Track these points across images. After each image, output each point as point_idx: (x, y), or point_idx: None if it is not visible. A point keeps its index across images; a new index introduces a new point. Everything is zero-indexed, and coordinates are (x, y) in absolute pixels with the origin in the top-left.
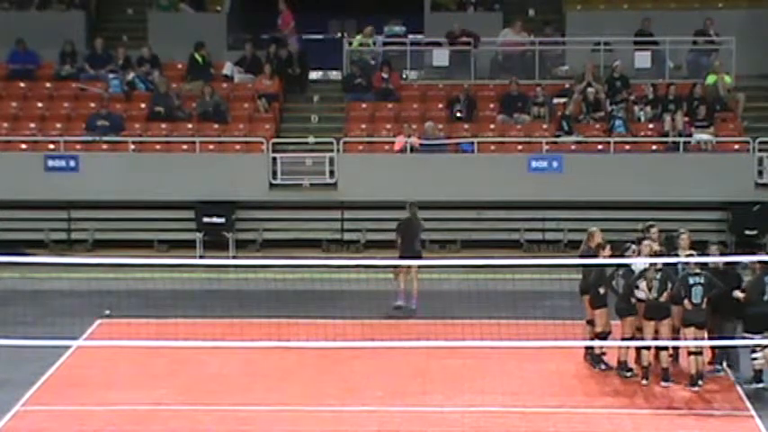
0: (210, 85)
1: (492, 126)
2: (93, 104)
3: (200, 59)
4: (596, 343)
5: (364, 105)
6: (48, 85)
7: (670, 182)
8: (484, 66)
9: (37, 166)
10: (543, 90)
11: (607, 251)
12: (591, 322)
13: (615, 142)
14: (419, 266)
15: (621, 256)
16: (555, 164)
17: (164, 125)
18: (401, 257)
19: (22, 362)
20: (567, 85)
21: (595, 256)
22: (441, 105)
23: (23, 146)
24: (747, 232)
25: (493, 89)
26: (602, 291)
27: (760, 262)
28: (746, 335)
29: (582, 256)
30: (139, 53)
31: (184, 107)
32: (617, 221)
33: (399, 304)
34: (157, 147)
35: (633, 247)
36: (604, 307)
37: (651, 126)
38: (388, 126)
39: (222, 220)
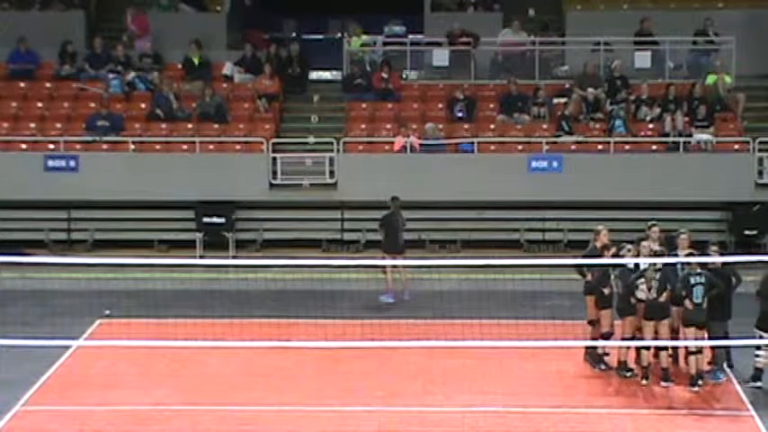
0: (211, 85)
1: (492, 126)
2: (93, 104)
3: (195, 60)
4: (596, 343)
5: (364, 105)
6: (48, 85)
7: (670, 182)
8: (484, 66)
9: (37, 166)
10: (543, 90)
11: (612, 251)
12: (592, 322)
13: (615, 142)
14: (409, 266)
15: (617, 256)
16: (555, 164)
17: (164, 125)
18: (385, 251)
19: (22, 362)
20: (566, 85)
21: (598, 255)
22: (441, 105)
23: (23, 146)
24: (747, 232)
25: (493, 89)
26: (606, 291)
27: (761, 262)
28: (756, 332)
29: (586, 256)
30: (142, 49)
31: (184, 107)
32: (617, 221)
33: (390, 301)
34: (157, 147)
35: (629, 246)
36: (610, 308)
37: (651, 126)
38: (388, 126)
39: (222, 220)
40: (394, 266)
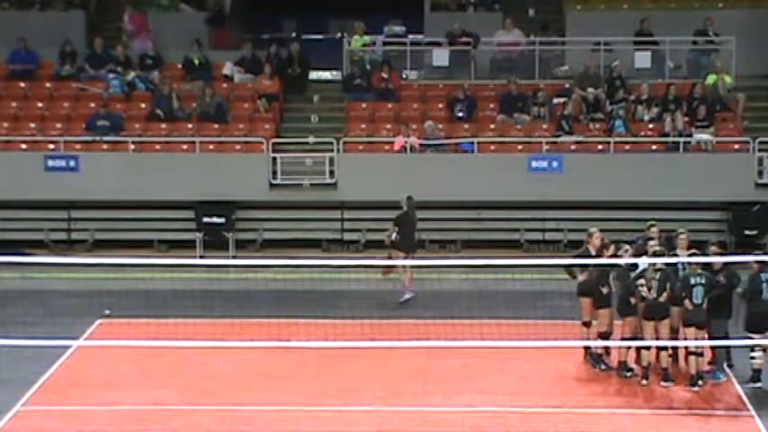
0: (211, 85)
1: (492, 126)
2: (93, 104)
3: (195, 60)
4: (596, 343)
5: (364, 105)
6: (48, 85)
7: (670, 182)
8: (484, 66)
9: (37, 166)
10: (543, 90)
11: (611, 251)
12: (587, 324)
13: (615, 142)
14: (414, 266)
15: (616, 256)
16: (555, 164)
17: (164, 125)
18: (400, 250)
19: (22, 362)
20: (566, 85)
21: (593, 256)
22: (441, 105)
23: (23, 146)
24: (747, 232)
25: (493, 89)
26: (604, 291)
27: (757, 261)
28: (747, 334)
29: (578, 257)
30: (142, 49)
31: (184, 107)
32: (617, 221)
33: (408, 297)
34: (157, 147)
35: (626, 246)
36: (609, 307)
37: (651, 126)
38: (388, 126)
39: (222, 220)
40: (403, 265)
